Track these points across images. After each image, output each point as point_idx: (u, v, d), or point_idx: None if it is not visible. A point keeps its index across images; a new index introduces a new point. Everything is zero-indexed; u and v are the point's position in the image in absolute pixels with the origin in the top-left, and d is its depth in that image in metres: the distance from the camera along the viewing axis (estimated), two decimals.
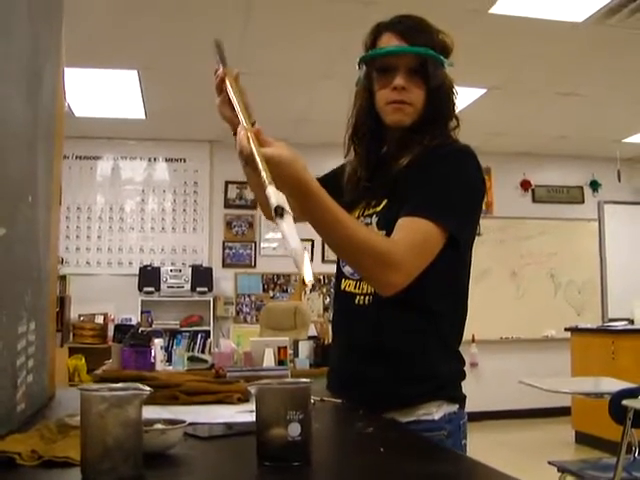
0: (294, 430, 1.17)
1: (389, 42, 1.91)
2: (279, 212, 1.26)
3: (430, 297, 1.87)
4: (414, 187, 1.80)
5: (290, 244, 1.23)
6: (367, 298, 1.88)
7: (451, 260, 1.84)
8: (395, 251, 1.65)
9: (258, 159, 1.42)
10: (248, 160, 1.45)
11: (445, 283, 1.91)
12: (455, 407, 1.89)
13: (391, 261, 1.64)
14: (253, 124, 1.62)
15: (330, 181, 1.93)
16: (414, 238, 1.70)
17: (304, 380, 1.26)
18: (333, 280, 2.15)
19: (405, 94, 1.87)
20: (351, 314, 1.95)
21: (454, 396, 1.91)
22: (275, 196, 1.28)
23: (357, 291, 1.92)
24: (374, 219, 1.90)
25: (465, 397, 1.95)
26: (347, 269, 1.97)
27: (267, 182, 1.34)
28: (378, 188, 1.93)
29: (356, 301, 1.91)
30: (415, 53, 1.88)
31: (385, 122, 1.93)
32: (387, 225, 1.79)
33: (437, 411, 1.83)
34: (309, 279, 1.23)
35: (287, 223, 1.25)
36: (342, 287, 1.99)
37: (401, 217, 1.74)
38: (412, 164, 1.87)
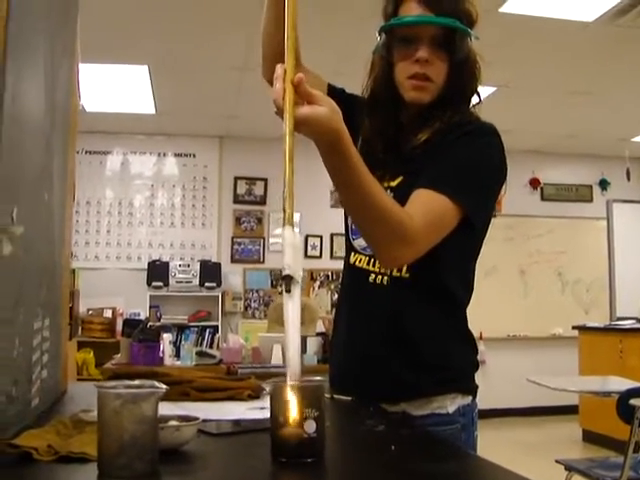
0: (310, 427, 1.18)
1: (411, 11, 1.78)
2: (287, 283, 1.21)
3: (450, 281, 1.84)
4: (434, 161, 1.72)
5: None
6: (384, 278, 1.82)
7: (467, 243, 1.84)
8: (411, 226, 1.56)
9: (287, 130, 1.29)
10: (281, 116, 1.33)
11: (462, 268, 1.91)
12: (469, 399, 1.85)
13: (406, 235, 1.56)
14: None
15: (347, 101, 1.83)
16: (431, 214, 1.62)
17: (317, 378, 1.28)
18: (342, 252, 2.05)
19: (428, 67, 1.77)
20: (365, 293, 1.86)
21: (468, 388, 1.87)
22: (290, 257, 1.21)
23: (372, 268, 1.85)
24: (389, 194, 1.74)
25: (477, 387, 1.90)
26: (359, 242, 1.88)
27: (285, 220, 1.23)
28: (393, 163, 1.84)
29: (370, 279, 1.84)
30: (441, 24, 1.76)
31: (403, 97, 1.83)
32: (402, 202, 1.63)
33: (451, 404, 1.79)
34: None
35: (294, 297, 1.20)
36: (352, 261, 1.92)
37: (418, 188, 1.66)
38: (431, 140, 1.80)
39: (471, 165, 1.73)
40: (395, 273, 1.79)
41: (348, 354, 1.93)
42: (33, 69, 1.50)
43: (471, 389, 1.88)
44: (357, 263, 1.90)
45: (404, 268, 1.77)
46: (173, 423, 1.27)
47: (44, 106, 1.61)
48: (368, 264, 1.86)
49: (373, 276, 1.84)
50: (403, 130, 1.88)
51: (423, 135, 1.82)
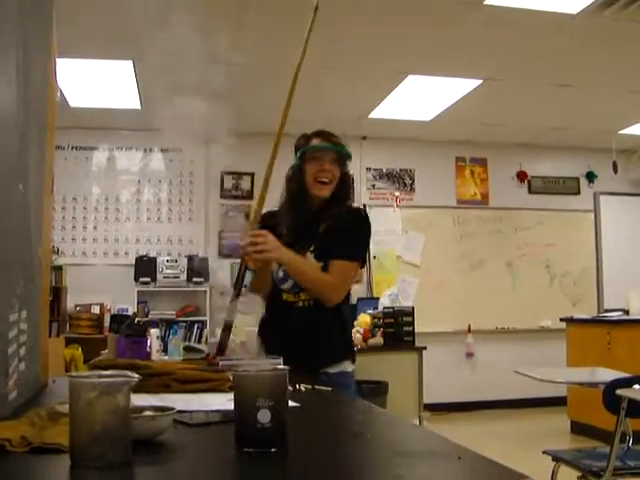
0: (264, 417, 1.18)
1: (317, 142, 2.96)
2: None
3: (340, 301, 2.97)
4: (336, 240, 2.87)
5: None
6: (306, 302, 2.90)
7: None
8: (334, 283, 2.86)
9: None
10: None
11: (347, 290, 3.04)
12: (353, 366, 2.97)
13: (333, 288, 2.87)
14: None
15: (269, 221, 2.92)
16: (342, 273, 2.88)
17: (282, 367, 1.27)
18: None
19: (328, 174, 2.90)
20: (291, 315, 2.92)
21: (353, 359, 2.99)
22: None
23: (296, 299, 2.91)
24: (310, 255, 2.90)
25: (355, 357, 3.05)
26: (286, 286, 2.93)
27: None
28: (305, 239, 2.90)
29: (296, 305, 2.91)
30: (337, 150, 2.97)
31: (311, 193, 2.92)
32: (320, 259, 2.89)
33: (349, 366, 2.92)
34: None
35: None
36: (284, 298, 2.94)
37: (332, 259, 2.84)
38: (329, 228, 2.90)
39: (358, 237, 2.99)
40: (310, 302, 2.90)
41: (288, 343, 2.78)
42: (3, 60, 1.48)
43: (354, 360, 2.99)
44: (286, 299, 2.95)
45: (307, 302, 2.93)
46: (148, 413, 1.26)
47: (17, 100, 1.60)
48: (294, 297, 2.93)
49: (300, 304, 2.92)
50: (312, 216, 2.95)
51: (323, 226, 2.93)
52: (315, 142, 2.97)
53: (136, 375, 1.14)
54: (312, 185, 2.91)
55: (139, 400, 1.17)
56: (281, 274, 2.92)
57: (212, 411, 1.54)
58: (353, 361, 2.99)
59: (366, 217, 3.06)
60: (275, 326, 3.02)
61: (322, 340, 2.89)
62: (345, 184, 2.99)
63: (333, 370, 2.86)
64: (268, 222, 2.91)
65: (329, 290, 2.86)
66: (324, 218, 2.94)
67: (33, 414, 1.37)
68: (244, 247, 2.66)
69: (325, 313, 2.90)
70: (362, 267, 3.03)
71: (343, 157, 2.99)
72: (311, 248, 2.92)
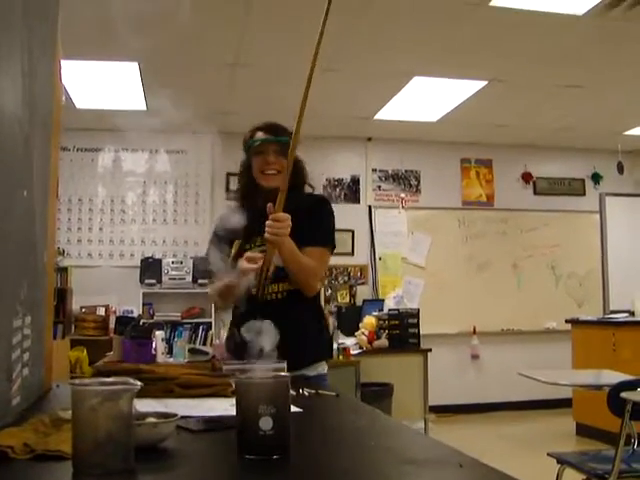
0: (266, 424, 1.18)
1: (261, 136, 2.96)
2: None
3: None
4: (307, 227, 2.80)
5: None
6: (279, 295, 2.85)
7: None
8: (317, 270, 2.89)
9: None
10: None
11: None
12: (326, 366, 2.94)
13: (316, 276, 2.91)
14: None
15: (221, 237, 2.93)
16: (322, 260, 2.90)
17: (284, 374, 1.27)
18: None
19: (275, 165, 2.90)
20: (265, 310, 2.54)
21: (329, 356, 3.06)
22: None
23: (266, 292, 2.81)
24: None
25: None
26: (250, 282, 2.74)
27: None
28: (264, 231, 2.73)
29: (268, 299, 2.82)
30: (280, 141, 2.90)
31: (260, 185, 2.93)
32: None
33: (324, 368, 2.90)
34: None
35: None
36: (253, 293, 2.75)
37: (310, 246, 2.83)
38: (293, 216, 2.65)
39: (328, 224, 3.00)
40: (282, 295, 2.86)
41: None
42: (8, 62, 1.48)
43: (329, 358, 3.03)
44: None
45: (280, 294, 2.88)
46: (151, 420, 1.26)
47: (22, 100, 1.60)
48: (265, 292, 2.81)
49: (269, 297, 2.84)
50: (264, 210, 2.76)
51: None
52: (259, 136, 2.98)
53: (138, 382, 1.14)
54: (259, 178, 2.94)
55: (143, 406, 1.17)
56: None
57: (214, 417, 1.54)
58: (327, 358, 3.00)
59: (329, 202, 3.11)
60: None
61: (301, 337, 2.80)
62: (297, 172, 2.91)
63: (311, 373, 2.82)
64: (226, 221, 2.90)
65: (314, 277, 2.89)
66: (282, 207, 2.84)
67: (36, 420, 1.37)
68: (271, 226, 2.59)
69: (302, 304, 2.88)
70: (332, 253, 3.00)
71: (287, 147, 2.83)
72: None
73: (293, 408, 1.32)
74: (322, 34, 2.56)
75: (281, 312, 2.54)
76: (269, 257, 2.65)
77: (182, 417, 1.34)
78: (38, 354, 1.81)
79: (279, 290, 2.87)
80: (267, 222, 2.58)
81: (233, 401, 1.74)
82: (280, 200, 2.58)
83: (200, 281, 8.54)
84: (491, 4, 5.18)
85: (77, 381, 1.13)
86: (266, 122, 3.03)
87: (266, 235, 2.59)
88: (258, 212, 2.76)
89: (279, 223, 2.59)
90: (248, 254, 2.71)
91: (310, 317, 2.95)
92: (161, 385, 1.81)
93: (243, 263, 2.68)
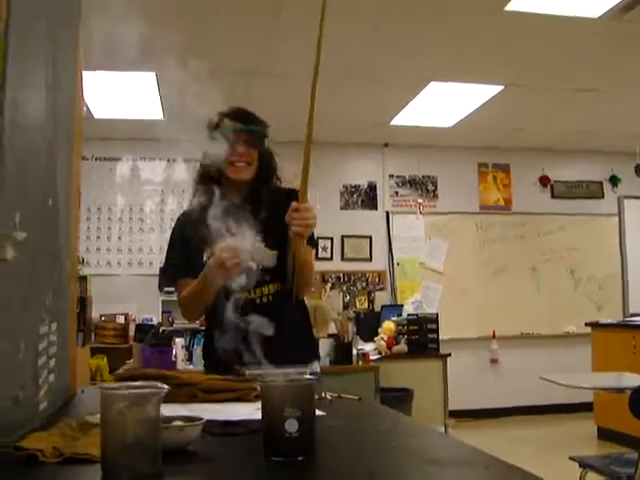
0: (291, 426, 1.19)
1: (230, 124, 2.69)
2: None
3: None
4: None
5: None
6: (264, 298, 2.68)
7: None
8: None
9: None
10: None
11: None
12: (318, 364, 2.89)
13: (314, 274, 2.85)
14: None
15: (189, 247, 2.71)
16: (312, 258, 2.75)
17: (307, 377, 1.29)
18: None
19: (245, 157, 2.68)
20: (252, 312, 2.24)
21: (319, 356, 2.98)
22: None
23: (253, 295, 2.65)
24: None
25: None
26: (234, 285, 2.35)
27: None
28: (243, 227, 2.43)
29: (257, 302, 2.65)
30: (250, 130, 2.70)
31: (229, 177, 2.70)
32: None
33: (316, 367, 2.82)
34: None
35: None
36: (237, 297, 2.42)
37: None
38: (271, 213, 2.52)
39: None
40: (269, 298, 2.69)
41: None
42: (34, 74, 1.51)
43: (319, 358, 2.97)
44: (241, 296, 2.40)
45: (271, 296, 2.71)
46: (177, 423, 1.28)
47: (46, 111, 1.63)
48: (251, 294, 2.64)
49: (257, 300, 2.67)
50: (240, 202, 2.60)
51: (264, 212, 2.50)
52: (227, 124, 2.71)
53: (165, 386, 1.16)
54: (227, 169, 2.69)
55: (167, 410, 1.19)
56: None
57: (239, 421, 1.55)
58: (318, 359, 2.93)
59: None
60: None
61: (296, 338, 2.72)
62: (267, 163, 2.75)
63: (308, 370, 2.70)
64: (189, 219, 2.73)
65: (313, 277, 2.83)
66: (253, 202, 2.63)
67: (64, 425, 1.39)
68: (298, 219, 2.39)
69: (290, 306, 2.65)
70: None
71: (258, 137, 2.73)
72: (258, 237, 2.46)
73: (316, 411, 1.33)
74: (321, 36, 2.49)
75: (275, 314, 2.28)
76: (297, 252, 2.46)
77: (207, 421, 1.35)
78: (63, 360, 1.83)
79: (269, 292, 2.70)
80: (293, 214, 2.38)
81: (257, 406, 1.75)
82: (302, 191, 2.38)
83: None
84: (506, 9, 5.18)
85: (106, 385, 1.15)
86: (234, 107, 2.76)
87: (294, 228, 2.38)
88: (229, 206, 2.39)
89: (308, 213, 2.39)
90: (222, 245, 2.32)
91: (301, 317, 2.86)
92: (186, 390, 1.82)
93: (222, 255, 2.33)
